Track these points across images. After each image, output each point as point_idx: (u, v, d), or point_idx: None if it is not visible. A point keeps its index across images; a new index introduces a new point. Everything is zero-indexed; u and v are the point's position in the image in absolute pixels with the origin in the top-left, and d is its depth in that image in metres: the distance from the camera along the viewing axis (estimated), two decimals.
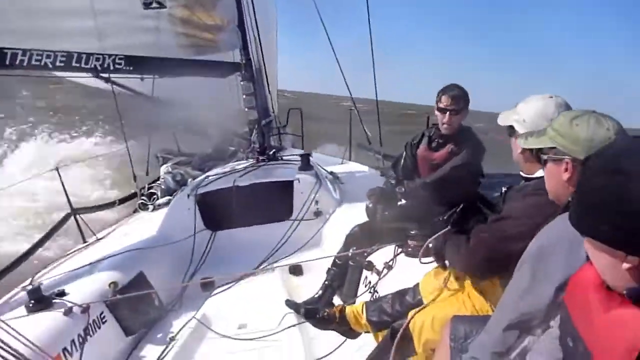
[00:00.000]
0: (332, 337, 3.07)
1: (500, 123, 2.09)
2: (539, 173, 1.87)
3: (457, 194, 3.08)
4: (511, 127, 2.01)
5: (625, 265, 0.90)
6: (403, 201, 3.18)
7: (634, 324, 0.88)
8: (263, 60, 6.44)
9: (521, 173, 2.06)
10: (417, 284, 2.66)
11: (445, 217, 3.25)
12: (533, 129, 1.78)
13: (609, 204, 0.90)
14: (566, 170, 1.51)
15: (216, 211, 4.78)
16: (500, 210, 2.23)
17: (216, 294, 3.99)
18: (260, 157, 5.48)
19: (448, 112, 3.30)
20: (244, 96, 5.74)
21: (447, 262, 2.42)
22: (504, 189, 2.25)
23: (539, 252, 1.45)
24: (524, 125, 1.97)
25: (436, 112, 3.38)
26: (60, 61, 4.30)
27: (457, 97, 3.28)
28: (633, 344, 0.86)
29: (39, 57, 4.16)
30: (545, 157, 1.60)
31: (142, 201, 5.49)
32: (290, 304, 3.60)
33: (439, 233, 2.44)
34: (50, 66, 4.28)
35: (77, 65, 4.43)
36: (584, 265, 1.08)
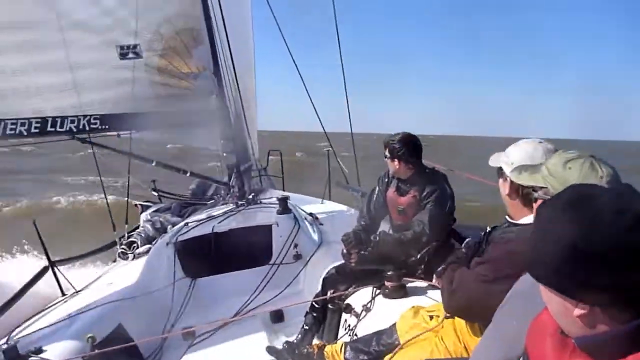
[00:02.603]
0: None
1: (491, 164, 2.13)
2: (525, 220, 1.90)
3: (425, 245, 3.19)
4: (500, 169, 2.06)
5: (577, 312, 0.90)
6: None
7: None
8: (242, 104, 6.52)
9: (507, 217, 2.08)
10: (394, 324, 2.69)
11: (418, 258, 3.33)
12: None
13: (559, 253, 0.90)
14: None
15: (195, 258, 4.76)
16: (483, 251, 2.28)
17: (197, 343, 3.95)
18: (239, 202, 5.50)
19: (389, 160, 3.47)
20: (222, 141, 5.80)
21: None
22: (488, 229, 2.30)
23: (514, 300, 1.46)
24: (511, 168, 2.04)
25: None
26: (35, 127, 4.34)
27: (395, 149, 3.44)
28: None
29: (13, 126, 4.20)
30: (536, 195, 1.59)
31: (122, 250, 5.46)
32: (271, 350, 3.60)
33: (448, 263, 2.48)
34: (25, 133, 4.31)
35: (52, 129, 4.48)
36: (544, 309, 1.07)
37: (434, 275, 2.65)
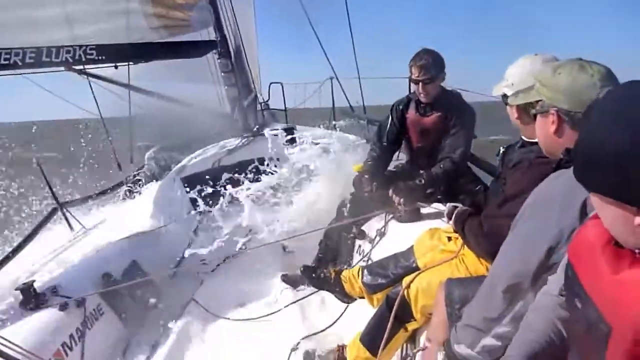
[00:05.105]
0: (329, 311, 3.09)
1: (494, 94, 2.06)
2: None
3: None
4: (504, 96, 1.96)
5: (637, 220, 0.83)
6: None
7: None
8: (240, 35, 6.32)
9: (523, 137, 2.01)
10: (412, 247, 2.66)
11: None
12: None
13: (616, 156, 0.82)
14: (553, 122, 1.46)
15: (203, 192, 4.73)
16: (500, 174, 2.21)
17: (211, 275, 3.98)
18: (244, 134, 5.41)
19: (421, 83, 3.27)
20: (222, 74, 5.65)
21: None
22: (501, 149, 2.22)
23: (531, 211, 1.42)
24: (513, 89, 1.93)
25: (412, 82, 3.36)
26: (30, 57, 4.17)
27: (426, 66, 3.22)
28: None
29: (7, 56, 4.04)
30: (533, 111, 1.55)
31: (129, 188, 5.45)
32: (286, 278, 3.62)
33: (463, 208, 2.42)
34: (20, 63, 4.14)
35: (48, 60, 4.30)
36: (589, 221, 1.01)
37: (445, 214, 2.55)
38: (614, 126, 0.83)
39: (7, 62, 4.04)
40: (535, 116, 1.56)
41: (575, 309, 1.04)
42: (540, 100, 1.50)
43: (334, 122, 7.12)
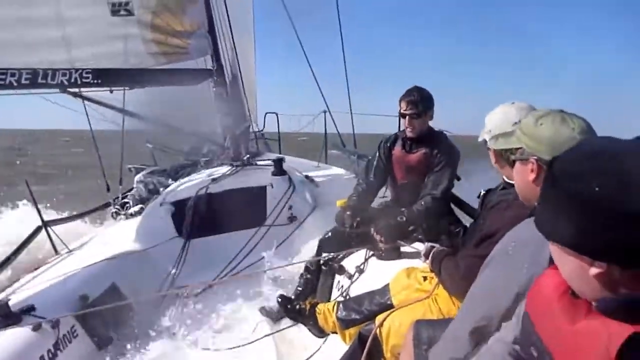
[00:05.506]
0: (305, 344, 3.07)
1: (479, 140, 2.14)
2: None
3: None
4: (485, 141, 2.04)
5: (593, 271, 0.84)
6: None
7: (603, 334, 0.83)
8: (238, 65, 6.42)
9: (504, 178, 2.06)
10: (388, 284, 2.68)
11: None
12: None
13: (573, 208, 0.85)
14: (532, 170, 1.48)
15: (189, 219, 4.74)
16: (479, 215, 2.25)
17: (190, 302, 3.96)
18: (234, 163, 5.45)
19: (408, 117, 3.33)
20: (217, 102, 5.71)
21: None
22: (482, 192, 2.27)
23: (502, 255, 1.45)
24: (491, 135, 2.00)
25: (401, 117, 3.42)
26: (26, 79, 4.23)
27: (415, 102, 3.30)
28: (606, 355, 0.81)
29: (3, 76, 4.10)
30: (512, 157, 1.58)
31: (116, 210, 5.45)
32: (263, 311, 3.61)
33: (440, 248, 2.48)
34: (15, 84, 4.20)
35: (44, 81, 4.36)
36: (548, 270, 1.03)
37: (422, 253, 2.60)
38: (572, 180, 0.86)
39: (2, 82, 4.09)
40: (513, 162, 1.59)
41: (531, 357, 1.05)
42: (521, 148, 1.53)
43: (325, 155, 7.21)
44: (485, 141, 2.06)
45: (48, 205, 6.63)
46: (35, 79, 4.29)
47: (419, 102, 3.30)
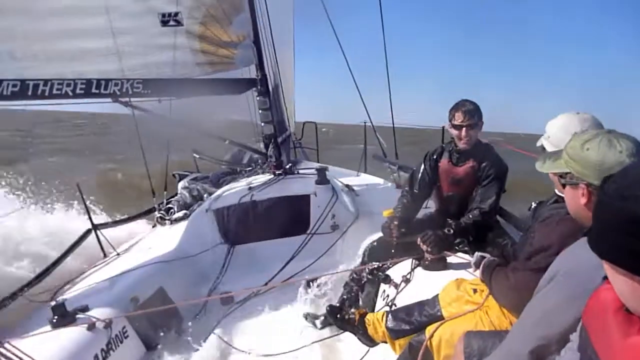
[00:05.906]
0: (352, 351, 3.09)
1: (537, 145, 2.16)
2: None
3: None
4: (543, 147, 2.05)
5: None
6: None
7: None
8: (279, 75, 6.50)
9: (556, 191, 2.04)
10: (437, 295, 2.68)
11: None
12: (558, 146, 1.79)
13: (624, 228, 0.87)
14: (583, 195, 1.48)
15: (234, 225, 4.83)
16: (529, 228, 2.25)
17: (235, 308, 4.02)
18: (277, 172, 5.52)
19: (464, 128, 3.32)
20: (260, 111, 5.79)
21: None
22: (533, 204, 2.27)
23: (560, 277, 1.44)
24: (549, 142, 2.01)
25: (451, 130, 3.41)
26: (80, 89, 4.36)
27: (470, 111, 3.30)
28: None
29: (60, 86, 4.25)
30: (563, 180, 1.57)
31: (161, 215, 5.58)
32: (308, 317, 3.64)
33: (490, 259, 2.50)
34: (71, 94, 4.34)
35: (97, 91, 4.49)
36: (603, 285, 1.05)
37: (472, 263, 2.61)
38: (624, 202, 0.89)
39: (59, 92, 4.25)
40: (564, 185, 1.59)
41: None
42: (569, 173, 1.52)
43: (364, 164, 7.22)
44: (542, 147, 2.06)
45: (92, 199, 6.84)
46: (89, 89, 4.43)
47: (474, 111, 3.32)
